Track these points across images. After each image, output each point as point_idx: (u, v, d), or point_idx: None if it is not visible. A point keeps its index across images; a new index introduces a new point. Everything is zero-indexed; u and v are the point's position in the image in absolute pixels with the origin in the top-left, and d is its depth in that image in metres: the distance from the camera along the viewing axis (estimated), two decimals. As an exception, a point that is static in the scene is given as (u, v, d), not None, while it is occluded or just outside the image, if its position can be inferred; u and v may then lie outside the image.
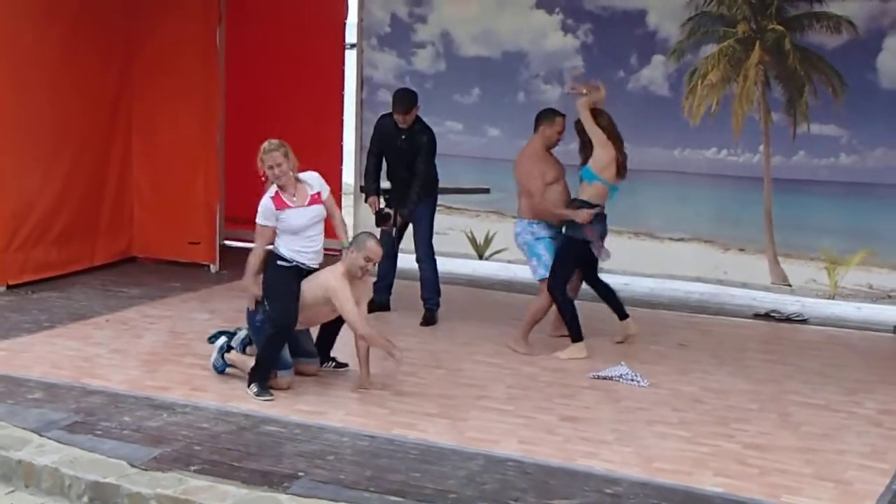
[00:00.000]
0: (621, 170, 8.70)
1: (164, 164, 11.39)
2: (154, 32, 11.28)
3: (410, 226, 9.77)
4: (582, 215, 8.53)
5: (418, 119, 9.65)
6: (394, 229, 9.58)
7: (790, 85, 10.42)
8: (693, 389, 7.93)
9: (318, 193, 7.73)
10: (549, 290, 8.65)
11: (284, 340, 7.49)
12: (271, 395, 7.38)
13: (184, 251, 11.45)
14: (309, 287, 7.52)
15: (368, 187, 9.89)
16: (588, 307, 9.01)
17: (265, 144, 7.69)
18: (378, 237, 7.91)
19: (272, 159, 7.59)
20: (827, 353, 9.15)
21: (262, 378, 7.43)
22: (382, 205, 9.65)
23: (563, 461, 6.41)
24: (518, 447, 6.62)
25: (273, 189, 7.64)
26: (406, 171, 9.56)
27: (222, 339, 7.86)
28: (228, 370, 7.79)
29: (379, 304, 9.76)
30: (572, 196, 8.75)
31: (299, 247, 7.62)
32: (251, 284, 7.64)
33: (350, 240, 7.71)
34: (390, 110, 9.71)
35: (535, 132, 8.96)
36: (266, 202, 7.65)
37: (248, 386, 7.43)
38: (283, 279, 7.56)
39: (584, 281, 9.03)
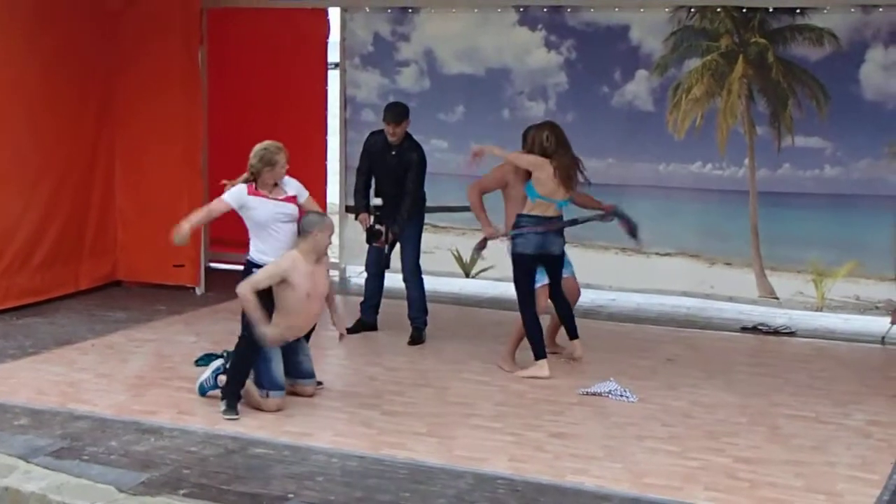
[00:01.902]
0: (565, 181, 8.53)
1: (147, 188, 11.36)
2: (136, 55, 11.25)
3: (397, 245, 9.74)
4: (486, 230, 8.78)
5: (408, 136, 9.63)
6: (386, 246, 9.55)
7: (774, 98, 10.45)
8: (682, 404, 7.91)
9: (294, 196, 7.76)
10: (519, 307, 8.64)
11: (257, 352, 7.45)
12: (236, 414, 7.35)
13: (168, 274, 11.40)
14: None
15: (358, 204, 9.84)
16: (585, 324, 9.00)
17: (269, 146, 7.75)
18: (325, 215, 7.92)
19: (280, 174, 7.72)
20: (815, 366, 9.14)
21: (233, 394, 7.42)
22: (372, 221, 9.61)
23: (552, 478, 6.39)
24: (507, 465, 6.59)
25: (243, 186, 7.73)
26: (396, 188, 9.52)
27: (219, 361, 7.81)
28: (211, 393, 7.73)
29: (366, 324, 9.75)
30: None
31: (265, 246, 7.64)
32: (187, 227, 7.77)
33: (302, 229, 7.64)
34: (378, 128, 9.73)
35: (522, 148, 8.90)
36: (240, 186, 7.73)
37: (221, 399, 7.45)
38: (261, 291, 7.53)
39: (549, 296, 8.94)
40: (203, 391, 7.77)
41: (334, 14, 12.34)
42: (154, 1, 11.22)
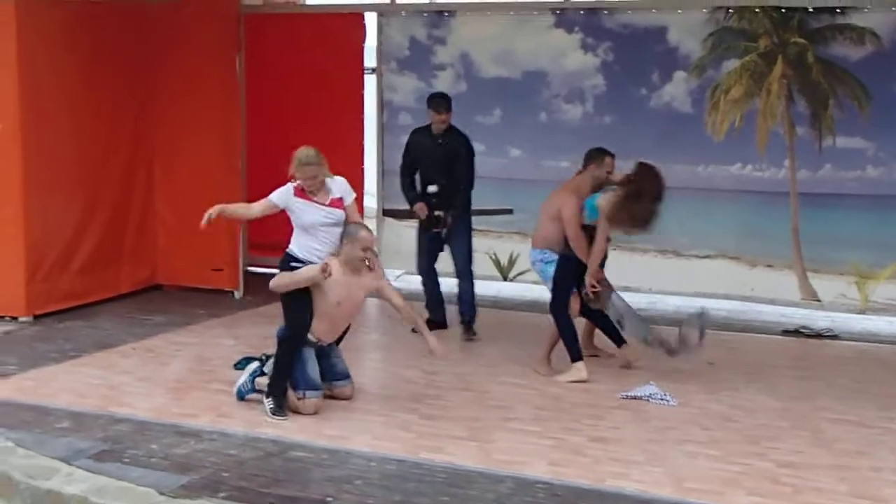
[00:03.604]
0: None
1: (186, 192, 11.40)
2: (174, 60, 11.32)
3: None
4: (595, 273, 8.50)
5: (451, 126, 9.74)
6: (443, 231, 9.68)
7: (814, 98, 10.38)
8: (723, 408, 7.86)
9: (341, 199, 7.73)
10: (551, 310, 8.60)
11: (300, 343, 7.48)
12: (286, 415, 7.37)
13: (208, 278, 11.47)
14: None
15: (410, 196, 9.94)
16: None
17: (301, 155, 7.69)
18: (365, 226, 7.82)
19: (308, 172, 7.63)
20: (858, 369, 9.06)
21: (279, 392, 7.43)
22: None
23: (593, 483, 6.35)
24: (547, 469, 6.55)
25: (290, 186, 7.71)
26: (443, 178, 9.68)
27: (255, 364, 7.82)
28: (249, 396, 7.75)
29: (437, 322, 9.92)
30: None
31: (311, 246, 7.63)
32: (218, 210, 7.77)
33: (340, 238, 7.66)
34: (418, 125, 9.95)
35: (583, 169, 8.81)
36: (287, 187, 7.71)
37: (266, 398, 7.45)
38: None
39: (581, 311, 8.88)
40: (241, 395, 7.78)
41: (370, 19, 12.35)
42: (192, 7, 11.27)
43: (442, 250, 10.00)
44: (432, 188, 9.73)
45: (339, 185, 7.80)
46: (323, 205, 7.64)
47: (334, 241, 7.66)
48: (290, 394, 7.50)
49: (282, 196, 7.70)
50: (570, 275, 8.55)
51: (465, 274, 9.84)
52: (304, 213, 7.62)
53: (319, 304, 7.52)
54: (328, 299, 7.50)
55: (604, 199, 8.41)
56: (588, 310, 8.77)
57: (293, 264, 7.61)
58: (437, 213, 9.69)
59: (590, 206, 8.49)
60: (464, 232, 9.83)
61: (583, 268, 8.51)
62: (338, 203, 7.70)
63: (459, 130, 9.84)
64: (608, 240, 8.51)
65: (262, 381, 7.71)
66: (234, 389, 7.81)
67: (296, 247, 7.69)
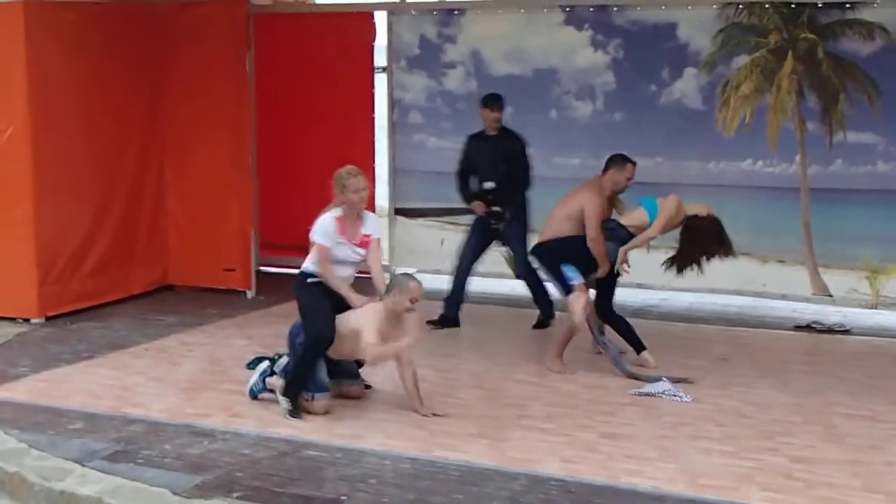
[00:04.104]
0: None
1: (197, 192, 11.43)
2: (184, 60, 11.34)
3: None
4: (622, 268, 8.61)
5: (504, 126, 9.97)
6: (502, 225, 9.88)
7: (824, 94, 10.36)
8: (735, 403, 7.85)
9: (369, 236, 7.68)
10: (601, 311, 8.70)
11: (319, 356, 7.45)
12: (301, 417, 7.36)
13: (220, 278, 11.48)
14: (346, 319, 7.46)
15: (466, 195, 10.11)
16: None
17: (347, 170, 7.64)
18: (414, 277, 7.62)
19: (359, 183, 7.57)
20: (871, 364, 9.05)
21: (295, 395, 7.42)
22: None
23: (606, 479, 6.34)
24: (560, 466, 6.55)
25: (338, 211, 7.59)
26: (496, 176, 9.84)
27: (265, 364, 7.84)
28: (262, 395, 7.76)
29: (450, 319, 10.05)
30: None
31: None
32: (357, 299, 7.51)
33: (387, 286, 7.55)
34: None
35: (603, 174, 8.82)
36: (330, 221, 7.57)
37: (282, 396, 7.45)
38: (315, 295, 7.53)
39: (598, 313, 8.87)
40: (254, 394, 7.80)
41: (380, 17, 12.36)
42: (202, 6, 11.29)
43: (484, 251, 10.15)
44: (489, 185, 9.87)
45: (372, 222, 7.75)
46: (355, 244, 7.60)
47: (347, 275, 7.65)
48: (300, 396, 7.50)
49: (326, 233, 7.55)
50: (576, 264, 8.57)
51: (527, 274, 9.98)
52: (338, 249, 7.56)
53: (353, 346, 7.42)
54: (364, 351, 7.39)
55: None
56: (609, 313, 8.77)
57: (309, 280, 7.57)
58: (495, 208, 9.84)
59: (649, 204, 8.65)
60: (520, 234, 9.97)
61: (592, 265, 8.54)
62: (366, 241, 7.66)
63: (512, 130, 9.99)
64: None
65: (273, 381, 7.72)
66: (247, 389, 7.83)
67: (313, 265, 7.61)
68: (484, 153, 9.93)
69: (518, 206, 9.90)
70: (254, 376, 7.83)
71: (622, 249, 8.56)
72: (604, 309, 8.77)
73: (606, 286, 8.73)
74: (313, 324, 7.45)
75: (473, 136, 10.13)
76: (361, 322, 7.31)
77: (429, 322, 9.59)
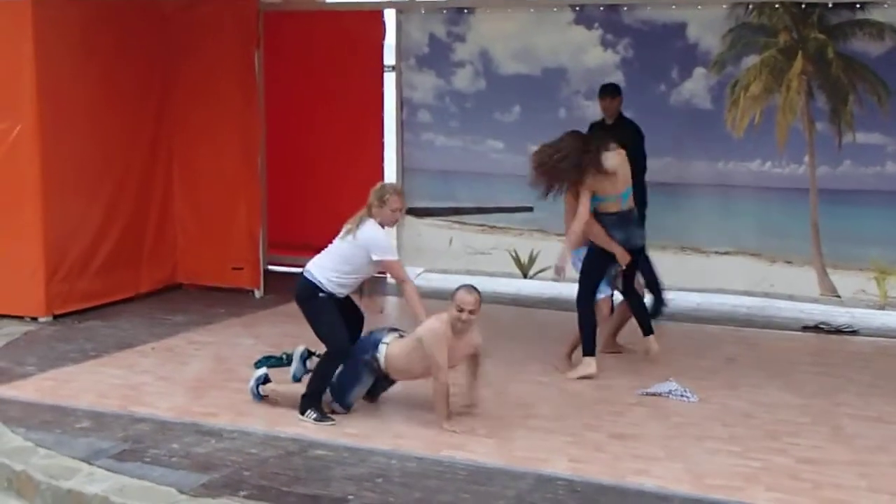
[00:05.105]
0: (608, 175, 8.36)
1: (205, 191, 11.44)
2: (193, 59, 11.34)
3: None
4: (622, 258, 8.44)
5: (622, 115, 9.93)
6: None
7: (834, 94, 10.34)
8: (742, 404, 7.84)
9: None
10: (577, 301, 8.58)
11: (336, 369, 7.44)
12: (332, 419, 7.32)
13: (227, 277, 11.48)
14: (411, 345, 7.29)
15: None
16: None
17: (392, 185, 7.67)
18: (467, 286, 7.38)
19: (400, 202, 7.56)
20: (878, 365, 9.03)
21: (317, 403, 7.39)
22: None
23: (613, 479, 6.34)
24: (567, 466, 6.55)
25: (377, 221, 7.51)
26: None
27: (262, 371, 7.80)
28: (263, 399, 7.75)
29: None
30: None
31: (344, 280, 7.52)
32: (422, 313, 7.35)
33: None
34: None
35: None
36: (384, 236, 7.49)
37: (303, 413, 7.36)
38: (327, 308, 7.49)
39: (620, 290, 8.85)
40: (256, 397, 7.77)
41: (390, 16, 12.36)
42: (211, 3, 11.29)
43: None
44: None
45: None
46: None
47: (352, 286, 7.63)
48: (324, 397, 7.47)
49: (391, 249, 7.51)
50: (601, 265, 8.52)
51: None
52: (370, 267, 7.52)
53: (417, 365, 7.32)
54: (426, 362, 7.27)
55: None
56: (629, 289, 8.73)
57: (321, 295, 7.49)
58: None
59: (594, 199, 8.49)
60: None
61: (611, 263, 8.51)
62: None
63: (629, 119, 9.96)
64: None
65: (268, 389, 7.68)
66: (248, 388, 7.81)
67: (325, 277, 7.46)
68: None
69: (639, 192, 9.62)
70: (251, 380, 7.78)
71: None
72: (626, 285, 8.72)
73: (632, 263, 8.64)
74: (334, 340, 7.41)
75: (594, 124, 10.10)
76: (429, 345, 7.17)
77: None
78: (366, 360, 7.36)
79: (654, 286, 9.83)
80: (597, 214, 8.37)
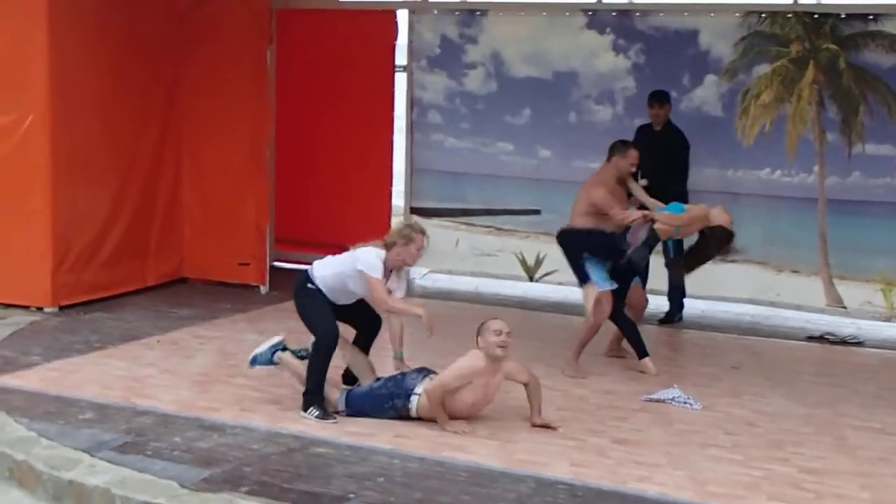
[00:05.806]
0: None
1: (213, 185, 11.45)
2: (205, 53, 11.36)
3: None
4: (633, 217, 8.53)
5: (669, 121, 10.11)
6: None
7: (845, 104, 10.34)
8: (746, 412, 7.83)
9: (392, 293, 7.57)
10: (610, 318, 8.69)
11: (329, 358, 7.43)
12: (335, 417, 7.32)
13: (234, 272, 11.49)
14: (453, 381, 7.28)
15: None
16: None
17: (420, 226, 7.65)
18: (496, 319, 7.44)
19: (424, 243, 7.57)
20: (883, 376, 9.02)
21: (319, 401, 7.39)
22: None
23: (614, 484, 6.33)
24: (569, 470, 6.54)
25: (382, 254, 7.45)
26: (658, 170, 9.78)
27: (278, 338, 7.81)
28: (258, 367, 7.76)
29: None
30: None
31: (332, 283, 7.51)
32: (426, 314, 7.43)
33: (400, 350, 7.63)
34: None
35: (607, 161, 8.85)
36: (378, 262, 7.41)
37: (306, 411, 7.35)
38: (315, 300, 7.50)
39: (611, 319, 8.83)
40: (254, 362, 7.76)
41: (402, 16, 12.37)
42: (224, 0, 11.29)
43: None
44: (642, 182, 9.74)
45: (404, 285, 7.75)
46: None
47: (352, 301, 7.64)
48: (332, 397, 7.42)
49: (378, 270, 7.41)
50: (598, 253, 8.57)
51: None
52: (361, 287, 7.49)
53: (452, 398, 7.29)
54: (463, 398, 7.27)
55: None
56: (619, 314, 8.76)
57: (309, 286, 7.51)
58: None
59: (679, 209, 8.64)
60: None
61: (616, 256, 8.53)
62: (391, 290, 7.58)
63: (677, 127, 10.13)
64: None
65: (283, 357, 7.69)
66: (250, 356, 7.79)
67: (323, 280, 7.50)
68: (649, 148, 9.65)
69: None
70: (264, 346, 7.77)
71: (646, 213, 8.53)
72: (614, 309, 8.73)
73: (619, 288, 8.69)
74: (322, 326, 7.41)
75: (641, 128, 10.32)
76: (453, 370, 7.26)
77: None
78: (396, 406, 7.35)
79: (676, 292, 9.93)
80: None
